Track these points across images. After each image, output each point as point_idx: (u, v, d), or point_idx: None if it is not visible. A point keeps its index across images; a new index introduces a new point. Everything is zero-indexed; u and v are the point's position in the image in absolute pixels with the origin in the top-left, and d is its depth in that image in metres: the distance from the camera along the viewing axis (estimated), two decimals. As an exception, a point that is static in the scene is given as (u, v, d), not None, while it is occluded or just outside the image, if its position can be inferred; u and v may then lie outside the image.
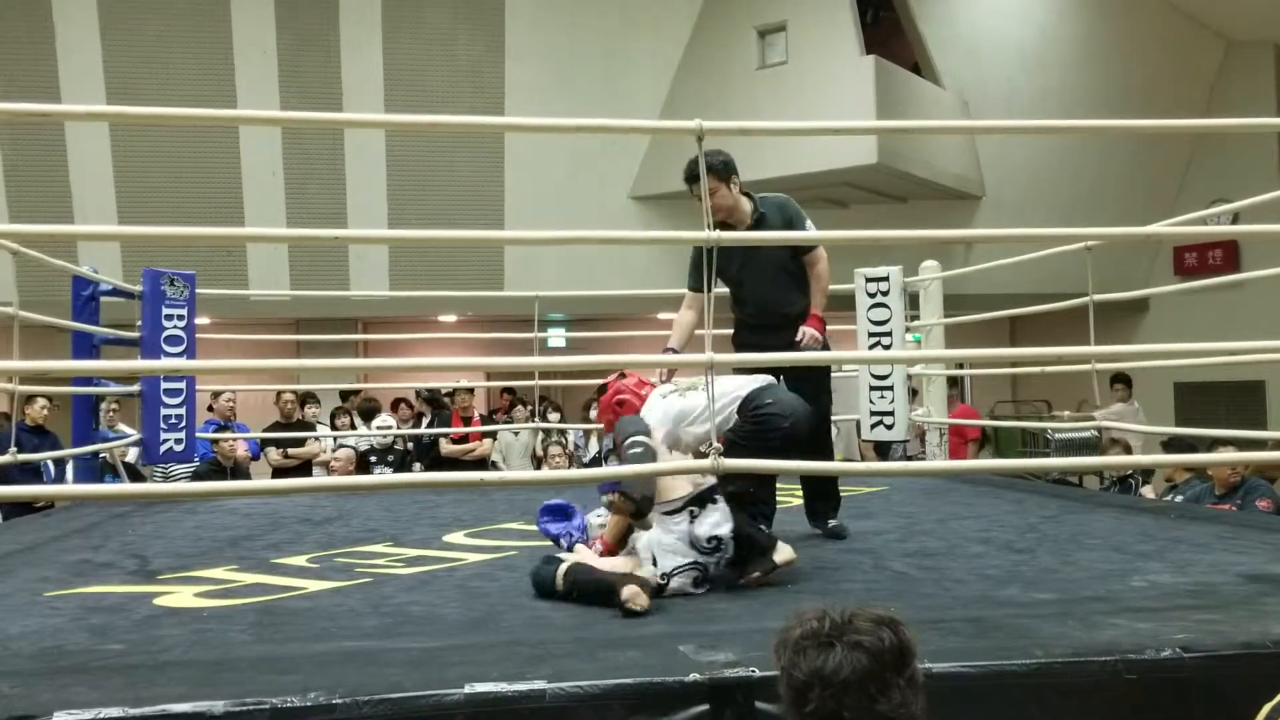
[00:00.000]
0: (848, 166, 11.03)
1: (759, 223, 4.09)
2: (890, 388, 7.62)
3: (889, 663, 1.52)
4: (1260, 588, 3.09)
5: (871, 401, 7.68)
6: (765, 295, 4.18)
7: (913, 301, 8.05)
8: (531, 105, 11.80)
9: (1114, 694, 2.28)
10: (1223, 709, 2.29)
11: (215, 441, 7.29)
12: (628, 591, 2.86)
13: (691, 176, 3.73)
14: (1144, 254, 13.11)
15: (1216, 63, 13.22)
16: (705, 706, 2.17)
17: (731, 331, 4.33)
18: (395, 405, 9.68)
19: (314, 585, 3.45)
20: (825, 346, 4.10)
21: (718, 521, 3.09)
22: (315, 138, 12.06)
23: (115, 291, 6.27)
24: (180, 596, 3.28)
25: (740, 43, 12.03)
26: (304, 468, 7.88)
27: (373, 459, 8.30)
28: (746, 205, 4.11)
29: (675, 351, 4.06)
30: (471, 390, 8.97)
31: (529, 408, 8.58)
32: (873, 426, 7.63)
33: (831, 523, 4.32)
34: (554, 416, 9.63)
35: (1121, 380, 9.27)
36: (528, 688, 2.13)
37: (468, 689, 2.11)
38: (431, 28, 12.29)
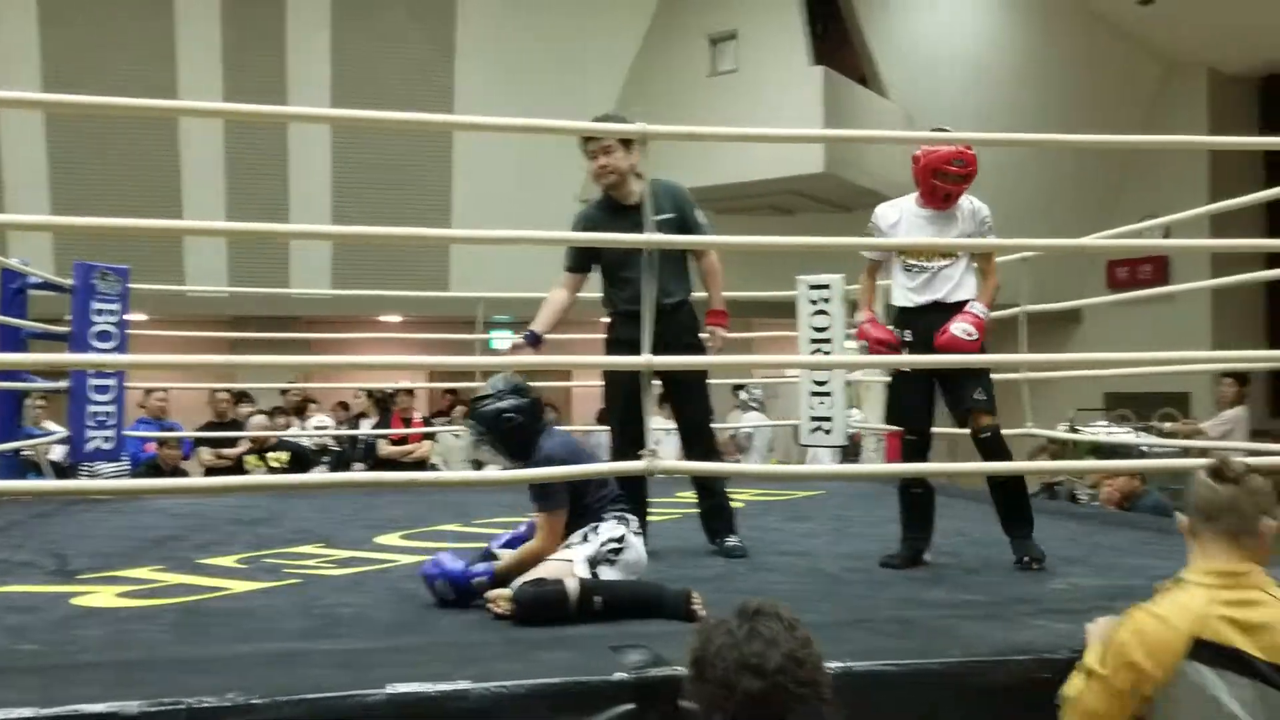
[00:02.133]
0: (795, 175, 11.13)
1: (644, 203, 3.85)
2: (829, 394, 7.71)
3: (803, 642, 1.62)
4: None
5: (811, 407, 7.76)
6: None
7: (854, 309, 8.15)
8: (481, 106, 11.75)
9: (1031, 692, 2.32)
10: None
11: (162, 444, 7.16)
12: (492, 594, 2.86)
13: (591, 135, 3.74)
14: (1078, 267, 13.38)
15: (1154, 83, 13.54)
16: (631, 705, 2.17)
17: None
18: (335, 406, 9.57)
19: (241, 586, 3.39)
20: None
21: (610, 528, 3.06)
22: (259, 132, 11.91)
23: (46, 285, 6.12)
24: (100, 597, 3.21)
25: (692, 50, 12.10)
26: (237, 468, 7.75)
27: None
28: (636, 184, 3.91)
29: (537, 335, 3.91)
30: (411, 391, 8.90)
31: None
32: (812, 431, 7.70)
33: (728, 542, 4.06)
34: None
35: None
36: (451, 688, 2.11)
37: (390, 689, 2.10)
38: (382, 25, 12.20)
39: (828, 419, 7.74)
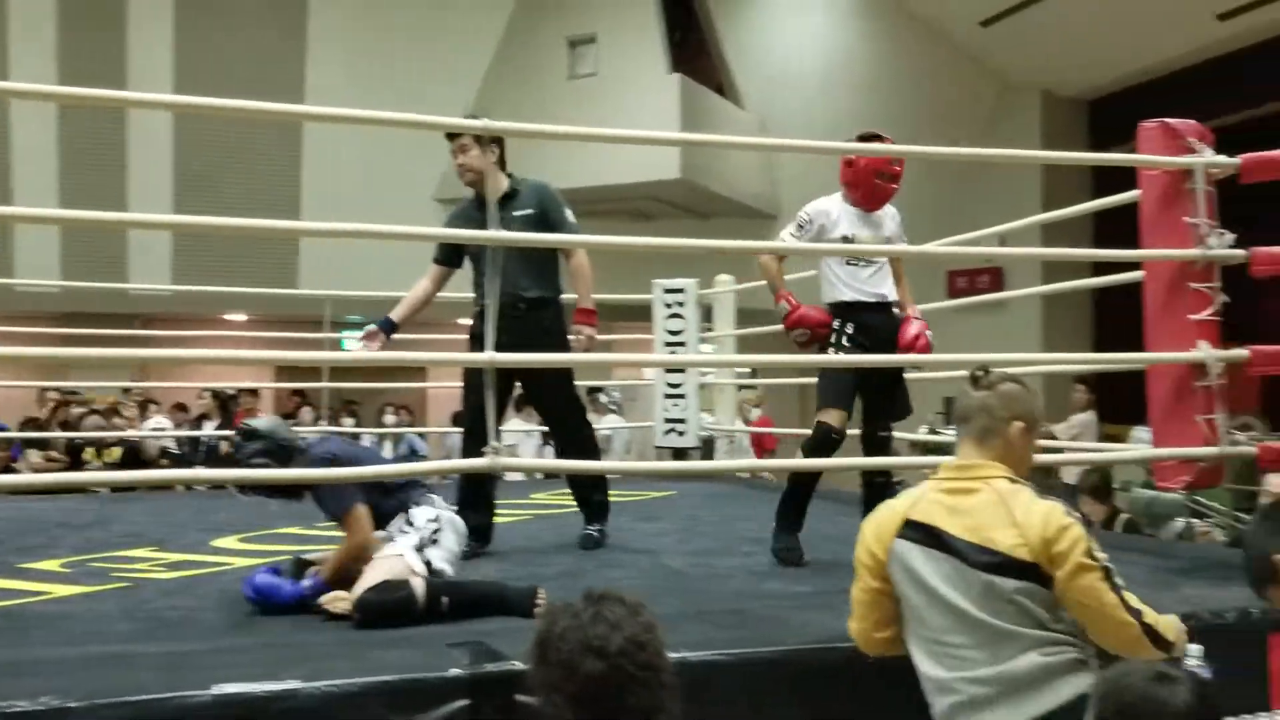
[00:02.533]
0: (652, 180, 11.26)
1: (509, 198, 3.94)
2: (683, 395, 7.84)
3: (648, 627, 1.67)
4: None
5: (665, 409, 7.87)
6: (510, 276, 3.73)
7: (707, 314, 8.31)
8: (333, 100, 11.46)
9: (857, 676, 2.42)
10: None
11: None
12: (327, 597, 2.83)
13: (454, 132, 3.75)
14: (922, 277, 13.93)
15: (992, 101, 14.20)
16: (466, 701, 2.17)
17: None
18: (173, 408, 9.20)
19: (64, 590, 3.24)
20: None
21: (422, 512, 3.06)
22: (96, 118, 11.35)
23: None
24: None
25: (551, 52, 12.10)
26: (68, 470, 7.37)
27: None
28: (503, 180, 3.97)
29: (393, 323, 3.97)
30: (255, 392, 8.63)
31: (317, 411, 8.33)
32: (665, 433, 7.82)
33: (587, 529, 4.16)
34: (348, 421, 9.40)
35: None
36: (280, 687, 2.07)
37: (215, 690, 2.04)
38: (229, 15, 11.79)
39: (681, 421, 7.88)
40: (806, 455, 3.84)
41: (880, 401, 3.88)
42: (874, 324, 3.80)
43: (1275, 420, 7.73)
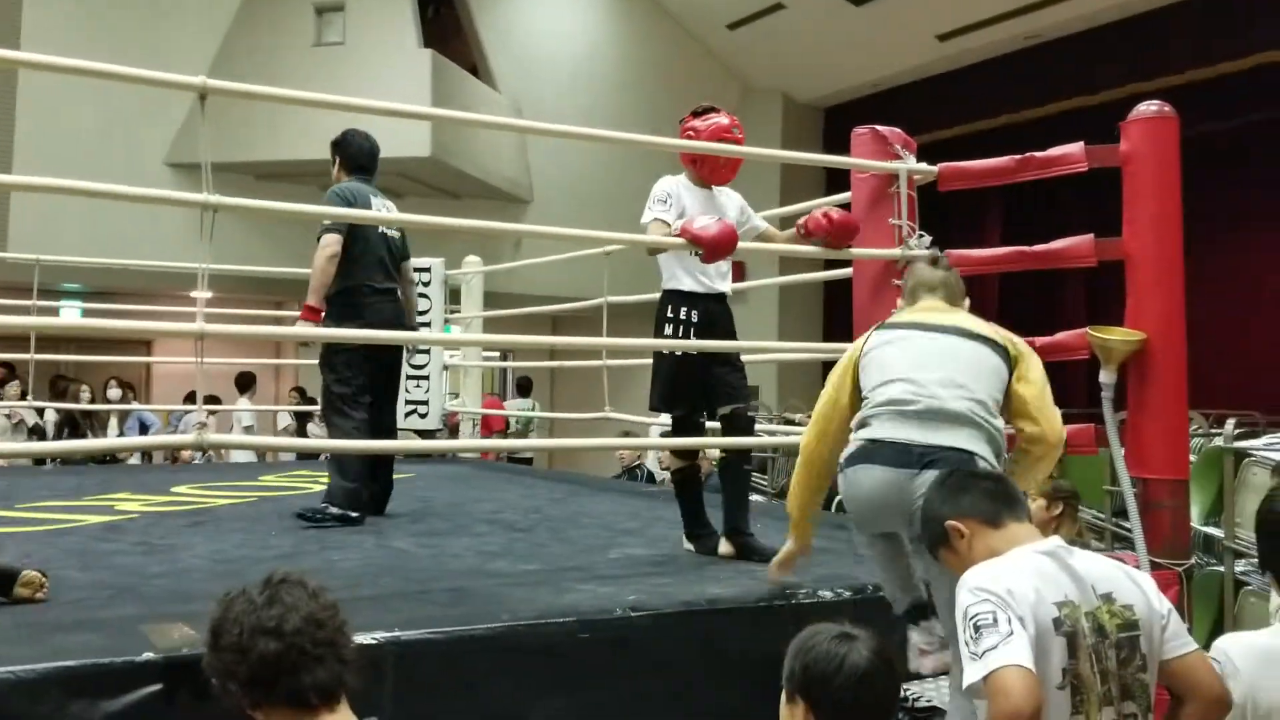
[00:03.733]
0: (400, 156, 10.94)
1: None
2: (426, 377, 7.74)
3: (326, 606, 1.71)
4: (713, 558, 3.50)
5: (407, 390, 7.74)
6: None
7: (455, 296, 8.23)
8: (52, 48, 10.43)
9: (572, 651, 2.49)
10: (658, 660, 2.59)
11: None
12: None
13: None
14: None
15: (736, 102, 14.80)
16: (158, 686, 2.07)
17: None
18: None
19: None
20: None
21: None
22: None
23: None
24: None
25: (296, 16, 11.56)
26: None
27: None
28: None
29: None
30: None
31: (21, 386, 7.65)
32: (407, 415, 7.68)
33: (315, 504, 4.18)
34: (85, 395, 8.80)
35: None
36: (-57, 677, 1.90)
37: None
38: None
39: (424, 403, 7.78)
40: (675, 452, 3.78)
41: (731, 381, 3.68)
42: (716, 312, 3.68)
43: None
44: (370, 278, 4.34)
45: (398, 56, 11.18)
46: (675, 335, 3.63)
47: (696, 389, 3.63)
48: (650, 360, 3.86)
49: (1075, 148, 3.64)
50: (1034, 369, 2.60)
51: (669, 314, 3.66)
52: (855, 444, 2.51)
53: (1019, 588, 1.81)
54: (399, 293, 4.55)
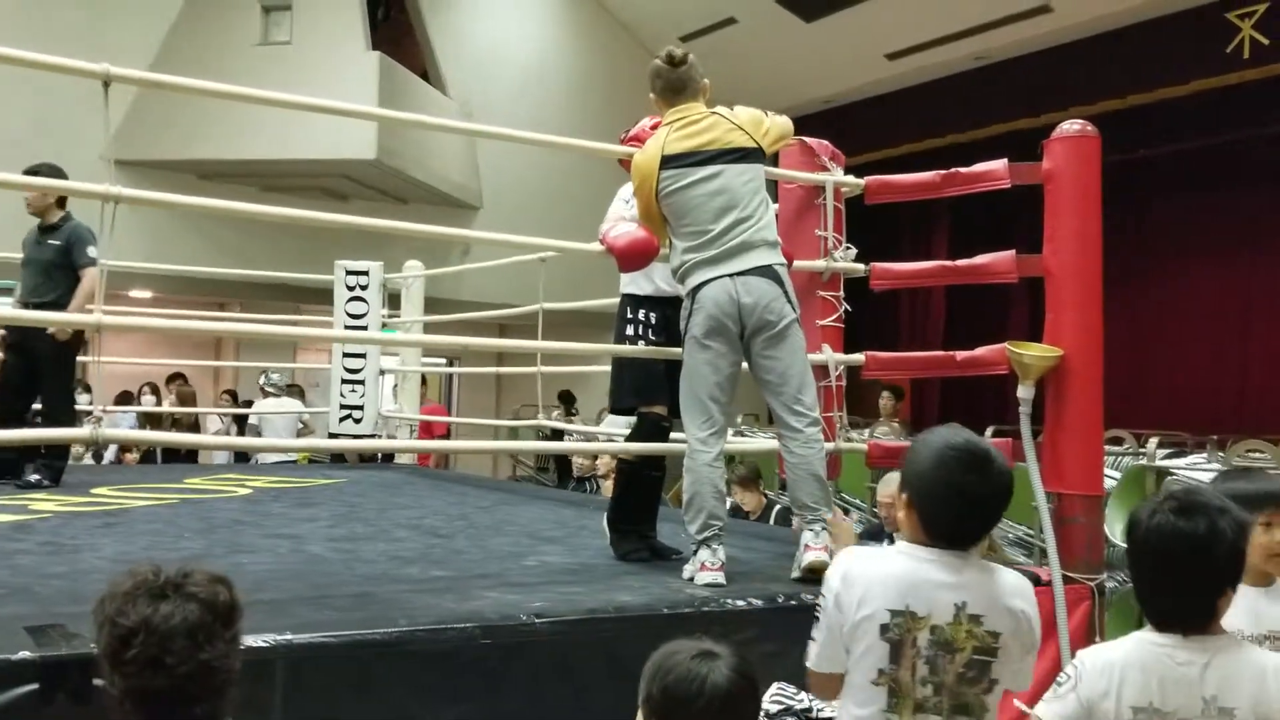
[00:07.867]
0: (345, 158, 10.88)
1: (54, 228, 5.25)
2: (362, 382, 7.65)
3: (220, 615, 1.59)
4: (629, 567, 3.47)
5: (342, 395, 7.64)
6: (28, 284, 5.18)
7: (394, 300, 8.15)
8: (-8, 41, 10.26)
9: (472, 657, 2.44)
10: (559, 667, 2.55)
11: None
12: None
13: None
14: (601, 270, 14.29)
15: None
16: (34, 686, 2.00)
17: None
18: None
19: None
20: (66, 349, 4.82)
21: None
22: None
23: None
24: None
25: (242, 12, 11.41)
26: None
27: None
28: (57, 215, 5.30)
29: None
30: None
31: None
32: (341, 420, 7.59)
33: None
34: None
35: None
36: None
37: None
38: None
39: (359, 408, 7.68)
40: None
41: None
42: (672, 317, 3.52)
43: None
44: None
45: (345, 58, 11.06)
46: (636, 336, 3.59)
47: (665, 384, 3.49)
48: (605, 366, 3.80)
49: (999, 165, 3.68)
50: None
51: (627, 315, 3.65)
52: None
53: (858, 588, 1.94)
54: None
